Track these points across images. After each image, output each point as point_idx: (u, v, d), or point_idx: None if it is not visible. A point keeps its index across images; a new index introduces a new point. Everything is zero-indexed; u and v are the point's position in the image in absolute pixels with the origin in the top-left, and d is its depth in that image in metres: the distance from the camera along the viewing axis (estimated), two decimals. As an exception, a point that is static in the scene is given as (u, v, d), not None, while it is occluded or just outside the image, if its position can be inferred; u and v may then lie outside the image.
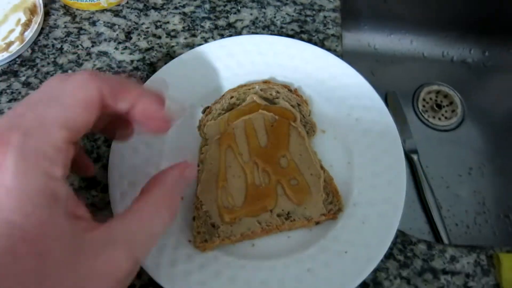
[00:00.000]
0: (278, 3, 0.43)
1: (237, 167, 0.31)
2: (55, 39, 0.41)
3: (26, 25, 0.40)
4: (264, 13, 0.42)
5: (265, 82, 0.36)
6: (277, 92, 0.35)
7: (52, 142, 0.19)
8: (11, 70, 0.39)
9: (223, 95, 0.35)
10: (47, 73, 0.39)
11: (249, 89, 0.35)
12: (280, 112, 0.33)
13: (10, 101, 0.38)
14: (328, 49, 0.39)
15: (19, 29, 0.40)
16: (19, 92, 0.38)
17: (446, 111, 0.53)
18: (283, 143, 0.32)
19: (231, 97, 0.35)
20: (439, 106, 0.54)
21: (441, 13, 0.57)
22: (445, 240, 0.43)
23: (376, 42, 0.57)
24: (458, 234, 0.46)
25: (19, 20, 0.40)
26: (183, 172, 0.24)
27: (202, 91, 0.36)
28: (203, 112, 0.35)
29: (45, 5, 0.42)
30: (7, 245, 0.16)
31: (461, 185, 0.49)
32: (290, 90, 0.35)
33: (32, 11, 0.41)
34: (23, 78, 0.39)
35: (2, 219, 0.17)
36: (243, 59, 0.37)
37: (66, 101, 0.20)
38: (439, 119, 0.53)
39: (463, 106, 0.54)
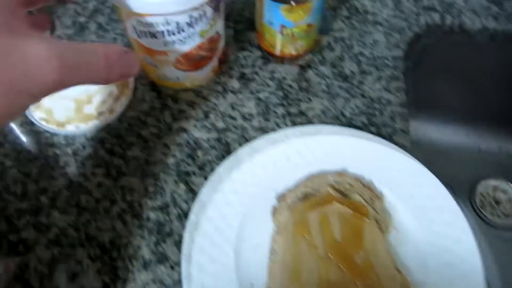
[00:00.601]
0: (347, 95, 0.45)
1: (311, 260, 0.32)
2: (141, 112, 0.44)
3: (117, 97, 0.44)
4: (334, 104, 0.45)
5: (339, 174, 0.37)
6: (351, 185, 0.36)
7: None
8: (98, 137, 0.42)
9: (298, 184, 0.37)
10: (131, 143, 0.42)
11: (323, 180, 0.36)
12: (355, 206, 0.34)
13: (94, 166, 0.40)
14: (396, 144, 0.41)
15: (110, 101, 0.44)
16: (103, 158, 0.41)
17: (505, 208, 0.53)
18: (358, 239, 0.32)
19: (306, 187, 0.36)
20: (497, 202, 0.53)
21: (497, 107, 0.58)
22: None
23: (432, 133, 0.59)
24: None
25: (111, 92, 0.44)
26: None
27: (275, 177, 0.37)
28: (277, 199, 0.36)
29: (135, 80, 0.46)
30: None
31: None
32: (363, 184, 0.36)
33: (124, 85, 0.45)
34: (108, 146, 0.42)
35: None
36: (316, 148, 0.39)
37: None
38: (498, 216, 0.52)
39: (522, 204, 0.53)
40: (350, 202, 0.35)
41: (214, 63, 0.45)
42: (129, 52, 0.33)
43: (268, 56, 0.49)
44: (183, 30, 0.38)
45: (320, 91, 0.46)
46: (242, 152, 0.38)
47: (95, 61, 0.26)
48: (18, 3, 0.24)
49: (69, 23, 0.52)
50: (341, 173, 0.37)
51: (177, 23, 0.37)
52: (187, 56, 0.41)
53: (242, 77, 0.47)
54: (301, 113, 0.44)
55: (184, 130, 0.43)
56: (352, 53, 0.49)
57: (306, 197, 0.36)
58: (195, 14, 0.37)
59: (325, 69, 0.47)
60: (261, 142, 0.39)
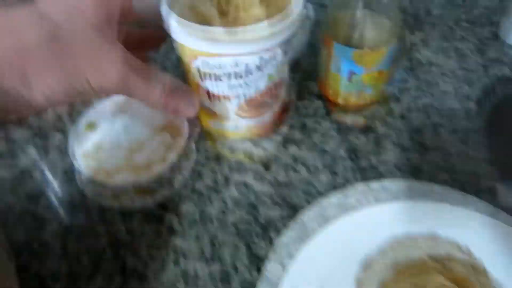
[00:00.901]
0: (421, 149, 0.41)
1: None
2: (195, 162, 0.40)
3: (170, 146, 0.40)
4: (408, 157, 0.40)
5: (431, 238, 0.32)
6: (448, 253, 0.31)
7: None
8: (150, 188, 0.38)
9: (384, 251, 0.31)
10: (185, 196, 0.38)
11: (414, 245, 0.31)
12: (459, 279, 0.29)
13: (143, 222, 0.36)
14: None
15: (162, 149, 0.40)
16: (153, 213, 0.36)
17: None
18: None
19: (394, 251, 0.31)
20: None
21: None
22: None
23: None
24: None
25: (164, 140, 0.41)
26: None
27: (354, 243, 0.32)
28: (363, 268, 0.31)
29: (189, 127, 0.43)
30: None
31: None
32: (462, 252, 0.31)
33: (177, 133, 0.42)
34: (159, 198, 0.37)
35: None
36: (396, 207, 0.34)
37: None
38: None
39: None
40: (452, 274, 0.29)
41: (275, 111, 0.42)
42: (190, 92, 0.35)
43: (331, 106, 0.45)
44: (251, 73, 0.35)
45: (390, 143, 0.41)
46: (310, 216, 0.34)
47: (157, 86, 0.31)
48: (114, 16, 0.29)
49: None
50: (434, 238, 0.32)
51: (246, 65, 0.34)
52: (251, 102, 0.38)
53: (304, 127, 0.43)
54: (372, 167, 0.40)
55: (243, 183, 0.39)
56: (421, 105, 0.45)
57: (396, 265, 0.30)
58: (266, 56, 0.34)
59: (393, 121, 0.44)
60: (331, 202, 0.35)
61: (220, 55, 0.33)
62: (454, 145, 0.41)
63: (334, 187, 0.38)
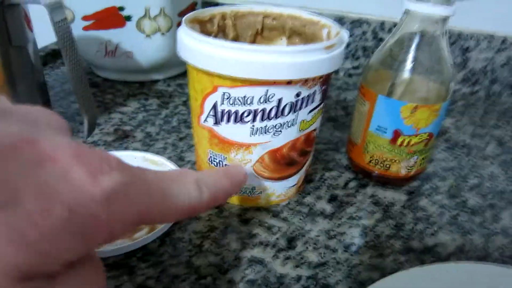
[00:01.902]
0: (485, 230, 0.32)
1: None
2: (194, 232, 0.30)
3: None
4: (470, 240, 0.31)
5: None
6: None
7: None
8: (127, 264, 0.27)
9: None
10: (175, 276, 0.27)
11: None
12: None
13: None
14: None
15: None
16: (132, 297, 0.25)
17: None
18: None
19: None
20: None
21: None
22: None
23: None
24: None
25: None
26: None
27: None
28: None
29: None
30: None
31: None
32: None
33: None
34: (140, 278, 0.26)
35: None
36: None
37: None
38: None
39: None
40: None
41: (301, 175, 0.34)
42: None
43: (364, 178, 0.37)
44: (282, 113, 0.28)
45: (445, 223, 0.33)
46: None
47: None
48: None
49: (110, 129, 0.43)
50: None
51: (279, 101, 0.27)
52: (275, 156, 0.30)
53: (334, 199, 0.34)
54: (428, 249, 0.30)
55: (260, 262, 0.28)
56: (472, 184, 0.38)
57: None
58: (305, 91, 0.28)
59: (443, 199, 0.35)
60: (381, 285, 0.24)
61: (249, 82, 0.26)
62: (527, 229, 0.32)
63: (384, 271, 0.28)
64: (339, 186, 0.36)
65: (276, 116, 0.28)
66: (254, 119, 0.28)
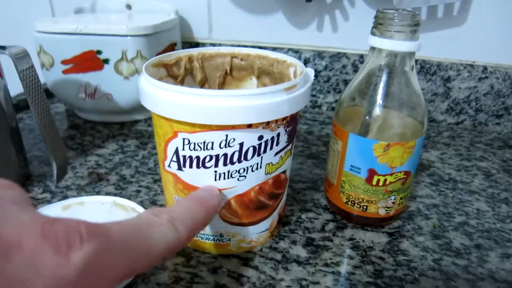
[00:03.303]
0: (471, 276, 0.30)
1: None
2: (157, 284, 0.28)
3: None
4: (455, 287, 0.29)
5: None
6: None
7: None
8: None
9: None
10: (133, 335, 0.25)
11: None
12: None
13: None
14: None
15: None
16: None
17: None
18: None
19: None
20: None
21: None
22: None
23: None
24: None
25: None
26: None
27: None
28: None
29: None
30: None
31: None
32: None
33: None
34: None
35: None
36: None
37: None
38: None
39: None
40: None
41: (274, 218, 0.32)
42: None
43: (342, 219, 0.36)
44: (245, 158, 0.27)
45: (428, 269, 0.31)
46: None
47: None
48: None
49: (85, 173, 0.42)
50: None
51: (241, 146, 0.26)
52: (242, 201, 0.29)
53: (310, 244, 0.33)
54: (409, 299, 0.28)
55: (225, 317, 0.26)
56: (455, 223, 0.36)
57: None
58: (267, 134, 0.27)
59: (425, 240, 0.34)
60: None
61: (207, 127, 0.25)
62: (511, 273, 0.30)
63: (360, 327, 0.26)
64: (316, 229, 0.35)
65: (239, 161, 0.27)
66: (216, 164, 0.27)
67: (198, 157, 0.27)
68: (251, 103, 0.25)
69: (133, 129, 0.53)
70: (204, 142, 0.26)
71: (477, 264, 0.31)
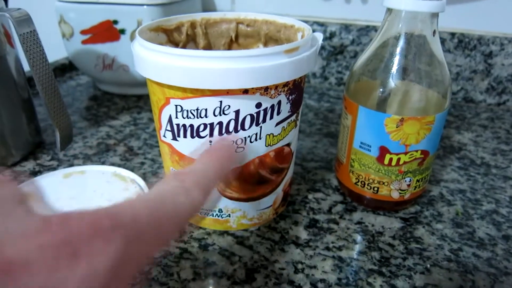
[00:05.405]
0: (494, 271, 0.26)
1: None
2: (145, 257, 0.27)
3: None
4: (474, 282, 0.26)
5: None
6: None
7: None
8: None
9: None
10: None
11: None
12: None
13: None
14: None
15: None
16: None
17: None
18: None
19: None
20: None
21: None
22: None
23: None
24: None
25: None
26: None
27: None
28: None
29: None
30: None
31: None
32: None
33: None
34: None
35: None
36: None
37: None
38: None
39: None
40: None
41: (277, 195, 0.30)
42: None
43: (353, 201, 0.33)
44: (242, 127, 0.25)
45: (443, 259, 0.27)
46: None
47: None
48: None
49: (94, 143, 0.42)
50: None
51: (237, 114, 0.24)
52: (241, 174, 0.27)
53: (313, 226, 0.30)
54: (416, 291, 0.25)
55: (210, 295, 0.25)
56: (483, 211, 0.32)
57: None
58: (266, 101, 0.24)
59: (444, 228, 0.30)
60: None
61: (199, 93, 0.23)
62: (547, 271, 0.26)
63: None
64: (322, 210, 0.32)
65: (235, 130, 0.25)
66: (211, 134, 0.25)
67: (192, 126, 0.25)
68: (246, 66, 0.22)
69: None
70: (197, 109, 0.24)
71: (502, 257, 0.27)
